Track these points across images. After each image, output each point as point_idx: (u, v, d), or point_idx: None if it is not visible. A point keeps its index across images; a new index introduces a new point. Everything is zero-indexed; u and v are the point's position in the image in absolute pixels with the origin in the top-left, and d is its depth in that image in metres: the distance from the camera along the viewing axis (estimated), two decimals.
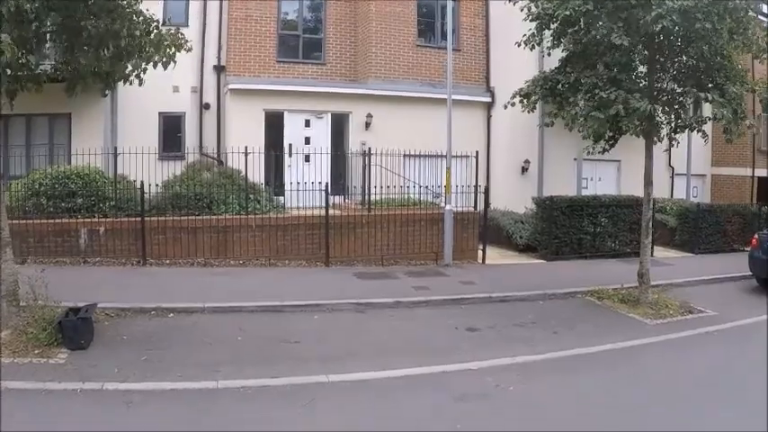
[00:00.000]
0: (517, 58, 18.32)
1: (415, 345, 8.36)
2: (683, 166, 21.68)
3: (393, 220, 13.14)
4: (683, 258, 17.05)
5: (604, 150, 12.34)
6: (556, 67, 11.67)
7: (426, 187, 14.08)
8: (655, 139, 11.85)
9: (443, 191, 13.55)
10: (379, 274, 12.28)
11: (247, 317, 9.29)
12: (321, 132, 16.12)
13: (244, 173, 13.53)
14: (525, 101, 11.73)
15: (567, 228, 15.20)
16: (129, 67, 8.68)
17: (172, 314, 9.25)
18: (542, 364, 7.83)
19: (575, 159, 19.02)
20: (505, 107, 12.00)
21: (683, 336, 9.47)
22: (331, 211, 12.79)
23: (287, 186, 14.00)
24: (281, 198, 14.03)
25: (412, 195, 13.73)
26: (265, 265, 12.45)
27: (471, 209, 14.13)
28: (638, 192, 19.63)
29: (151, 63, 8.54)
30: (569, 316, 10.35)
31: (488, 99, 18.04)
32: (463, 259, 13.79)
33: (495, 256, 14.56)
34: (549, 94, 11.52)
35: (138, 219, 12.18)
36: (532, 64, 18.38)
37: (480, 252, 14.01)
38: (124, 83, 9.26)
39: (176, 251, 12.31)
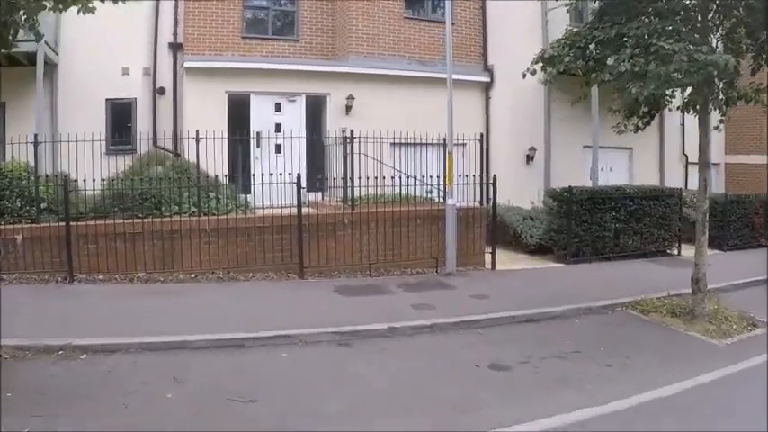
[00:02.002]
0: (518, 32, 15.79)
1: (422, 398, 5.62)
2: (695, 155, 19.25)
3: (382, 220, 10.41)
4: (713, 256, 14.33)
5: (637, 129, 9.92)
6: (589, 23, 9.00)
7: (418, 178, 11.26)
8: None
9: (443, 182, 10.83)
10: (368, 287, 9.51)
11: (189, 357, 6.51)
12: (294, 118, 13.29)
13: (203, 166, 10.76)
14: (550, 67, 9.01)
15: (588, 224, 12.54)
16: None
17: (85, 354, 6.49)
18: (610, 422, 5.17)
19: (584, 147, 16.44)
20: (524, 76, 9.28)
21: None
22: (306, 210, 10.03)
23: (255, 181, 11.06)
24: (248, 196, 11.22)
25: (402, 189, 11.02)
26: (223, 279, 9.63)
27: (476, 204, 11.42)
28: (650, 181, 17.24)
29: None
30: (618, 339, 7.75)
31: (486, 79, 15.36)
32: (468, 265, 11.09)
33: (504, 259, 11.85)
34: (580, 56, 8.83)
35: (65, 224, 9.34)
36: (536, 37, 15.79)
37: (488, 256, 11.30)
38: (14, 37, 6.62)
39: (112, 263, 9.47)
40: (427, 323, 7.68)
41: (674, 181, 18.34)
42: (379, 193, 10.64)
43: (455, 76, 14.68)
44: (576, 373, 6.44)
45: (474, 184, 11.13)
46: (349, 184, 10.57)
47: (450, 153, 10.43)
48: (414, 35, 14.68)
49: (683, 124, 19.16)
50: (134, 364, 6.29)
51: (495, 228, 11.40)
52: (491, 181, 11.07)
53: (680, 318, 8.81)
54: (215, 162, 10.44)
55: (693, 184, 19.29)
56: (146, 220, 9.67)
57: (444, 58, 14.54)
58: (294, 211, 9.81)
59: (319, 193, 12.29)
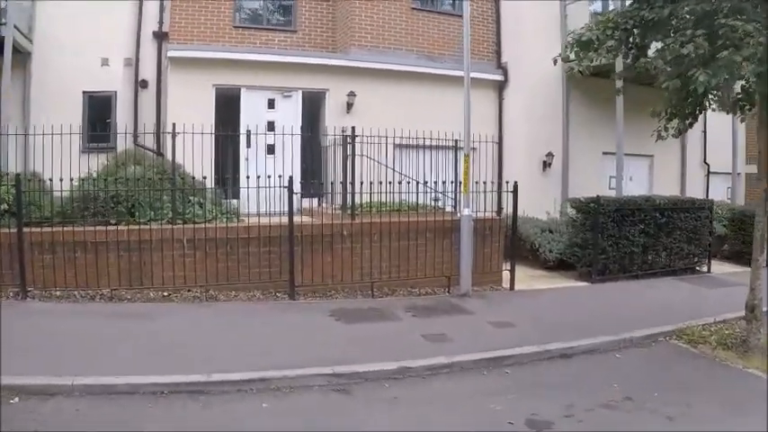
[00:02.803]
0: (533, 28, 14.36)
1: None
2: (718, 164, 17.86)
3: (387, 232, 8.88)
4: (744, 274, 12.94)
5: (679, 132, 8.51)
6: (632, 3, 7.55)
7: (426, 184, 9.69)
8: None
9: (456, 188, 9.36)
10: (370, 311, 7.96)
11: (144, 405, 5.00)
12: (289, 115, 11.76)
13: (187, 167, 9.25)
14: (585, 52, 7.55)
15: (616, 239, 11.04)
16: None
17: (17, 398, 5.05)
18: None
19: (604, 153, 14.98)
20: (555, 62, 7.84)
21: None
22: (300, 219, 8.48)
23: (243, 185, 9.48)
24: (236, 201, 9.71)
25: (407, 196, 9.49)
26: (200, 299, 8.10)
27: (492, 215, 9.93)
28: (671, 191, 15.78)
29: None
30: (670, 380, 6.30)
31: (500, 77, 13.91)
32: (484, 284, 9.59)
33: (522, 276, 10.28)
34: (624, 41, 7.38)
35: (17, 230, 7.83)
36: (553, 33, 14.38)
37: (506, 274, 9.79)
38: None
39: (71, 277, 7.93)
40: (445, 361, 6.13)
41: (694, 191, 16.88)
42: (381, 200, 9.14)
43: (462, 74, 13.32)
44: (634, 428, 4.98)
45: (492, 191, 9.62)
46: (349, 189, 9.05)
47: (468, 156, 8.94)
48: (422, 28, 13.24)
49: (704, 131, 17.73)
50: (76, 414, 4.80)
51: (515, 242, 9.88)
52: (510, 189, 9.55)
53: (733, 350, 7.35)
54: (201, 163, 8.84)
55: (714, 194, 17.95)
56: (110, 228, 8.15)
57: (455, 53, 13.16)
58: (285, 219, 8.28)
59: (315, 200, 10.80)
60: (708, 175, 18.05)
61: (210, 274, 8.11)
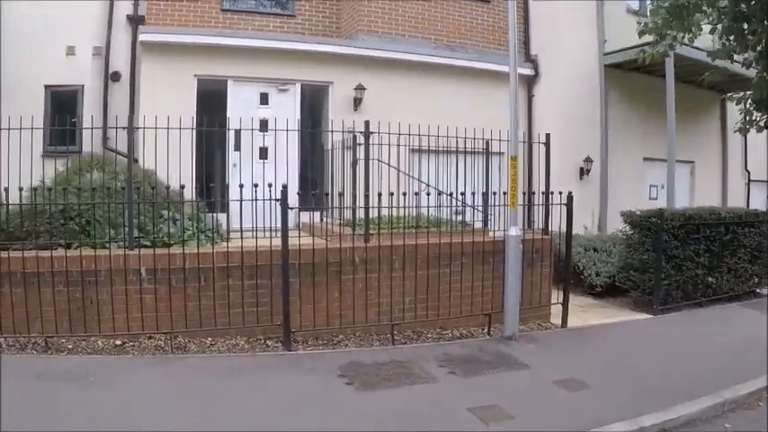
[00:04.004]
0: (567, 16, 12.30)
1: None
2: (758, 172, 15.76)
3: (411, 257, 6.65)
4: None
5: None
6: None
7: (452, 195, 7.43)
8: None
9: (488, 200, 7.22)
10: (392, 367, 5.70)
11: None
12: (285, 112, 9.49)
13: (160, 174, 7.12)
14: (678, 22, 5.48)
15: (680, 260, 8.89)
16: None
17: None
18: None
19: (645, 159, 12.89)
20: (640, 35, 5.72)
21: None
22: (298, 240, 6.17)
23: (232, 197, 7.05)
24: (224, 216, 7.47)
25: (430, 210, 7.26)
26: (165, 350, 5.87)
27: (540, 234, 7.74)
28: (712, 201, 13.64)
29: None
30: None
31: (529, 71, 11.77)
32: (529, 320, 7.40)
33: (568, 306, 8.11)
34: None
35: None
36: (589, 20, 12.31)
37: (559, 307, 7.59)
38: None
39: None
40: None
41: (735, 200, 14.80)
42: (394, 214, 6.93)
43: (489, 66, 11.20)
44: None
45: (539, 204, 7.45)
46: (360, 203, 6.83)
47: (515, 159, 6.78)
48: (440, 13, 11.09)
49: (745, 136, 15.70)
50: None
51: (568, 268, 7.69)
52: (563, 200, 7.39)
53: None
54: (179, 169, 6.57)
55: (755, 203, 15.83)
56: (42, 254, 5.90)
57: (478, 42, 11.06)
58: (278, 241, 6.05)
59: (317, 214, 8.62)
60: (748, 184, 15.95)
61: (179, 316, 5.87)
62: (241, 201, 5.94)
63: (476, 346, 6.49)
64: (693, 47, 9.06)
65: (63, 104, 10.26)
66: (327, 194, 7.33)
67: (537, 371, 5.84)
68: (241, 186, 5.89)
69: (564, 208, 7.48)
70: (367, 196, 6.56)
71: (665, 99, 11.00)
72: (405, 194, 6.56)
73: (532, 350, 6.49)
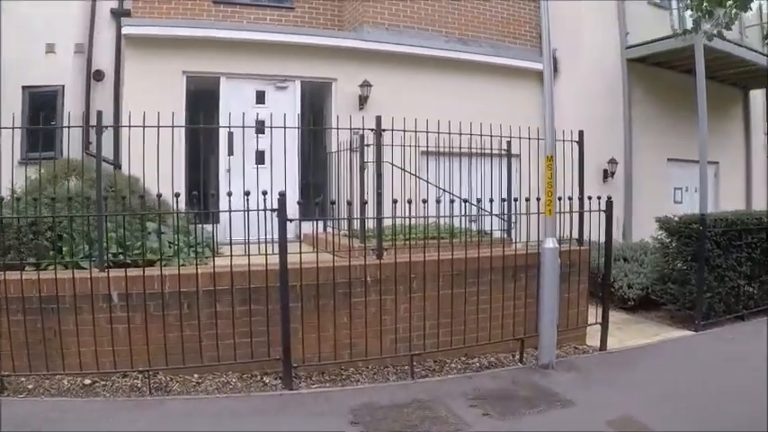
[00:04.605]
0: (585, 8, 11.36)
1: None
2: None
3: (432, 275, 5.59)
4: None
5: None
6: None
7: (469, 202, 6.36)
8: None
9: (510, 207, 6.23)
10: (413, 408, 4.64)
11: None
12: (284, 111, 8.44)
13: (148, 182, 6.05)
14: None
15: (722, 270, 7.89)
16: None
17: None
18: None
19: (669, 160, 11.92)
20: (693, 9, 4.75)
21: None
22: (300, 255, 5.12)
23: (224, 206, 5.96)
24: (218, 226, 6.45)
25: (434, 216, 6.10)
26: (142, 390, 4.83)
27: (576, 245, 6.72)
28: (737, 205, 12.69)
29: None
30: None
31: None
32: (564, 342, 6.34)
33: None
34: None
35: None
36: (609, 12, 11.36)
37: (596, 327, 6.59)
38: None
39: None
40: None
41: (760, 203, 13.81)
42: (406, 223, 5.90)
43: (503, 61, 10.26)
44: None
45: (574, 211, 6.43)
46: (372, 212, 5.82)
47: (551, 159, 5.79)
48: (452, 4, 10.11)
49: (767, 133, 14.76)
50: None
51: (606, 283, 6.70)
52: (602, 206, 6.40)
53: None
54: (162, 175, 5.53)
55: None
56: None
57: (492, 36, 10.10)
58: (276, 259, 5.04)
59: (320, 224, 7.62)
60: None
61: (158, 350, 4.84)
62: (230, 212, 4.95)
63: (508, 377, 5.47)
64: (726, 39, 8.12)
65: (42, 106, 9.24)
66: (333, 203, 6.30)
67: (584, 409, 4.82)
68: (229, 195, 4.91)
69: (602, 215, 6.49)
70: (380, 203, 5.53)
71: (689, 96, 10.07)
72: (425, 202, 5.54)
73: (574, 381, 5.48)
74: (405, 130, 5.74)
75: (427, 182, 6.83)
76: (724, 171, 13.32)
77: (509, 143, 7.59)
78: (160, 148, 5.29)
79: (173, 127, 5.39)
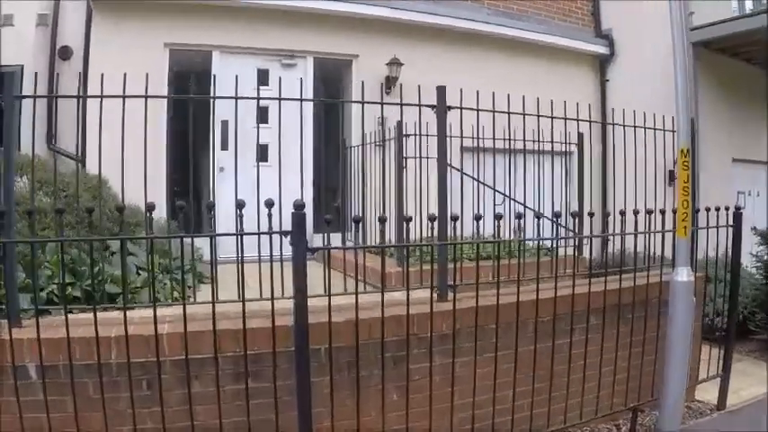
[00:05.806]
0: None
1: None
2: None
3: (525, 323, 3.70)
4: None
5: None
6: None
7: (546, 218, 4.40)
8: None
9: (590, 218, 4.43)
10: None
11: None
12: (292, 95, 6.55)
13: (115, 183, 4.09)
14: None
15: None
16: None
17: None
18: None
19: (734, 160, 10.16)
20: None
21: None
22: (326, 300, 3.25)
23: (219, 216, 3.78)
24: (205, 242, 4.46)
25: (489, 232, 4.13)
26: None
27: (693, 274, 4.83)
28: None
29: None
30: None
31: (603, 50, 8.95)
32: None
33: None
34: None
35: None
36: None
37: (715, 380, 4.77)
38: None
39: None
40: None
41: None
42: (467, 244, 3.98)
43: (550, 39, 8.41)
44: None
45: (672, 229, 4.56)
46: (417, 230, 3.93)
47: (686, 154, 3.98)
48: None
49: None
50: None
51: (732, 321, 4.88)
52: (730, 221, 4.61)
53: None
54: (155, 183, 3.61)
55: None
56: None
57: (540, 10, 8.30)
58: (289, 303, 3.09)
59: (338, 236, 5.71)
60: None
61: None
62: (213, 236, 3.08)
63: None
64: None
65: None
66: (362, 219, 4.37)
67: None
68: (209, 207, 3.06)
69: (730, 231, 4.66)
70: (443, 219, 3.63)
71: (756, 89, 8.38)
72: (500, 218, 3.65)
73: None
74: (479, 110, 3.85)
75: (490, 186, 4.97)
76: None
77: (580, 135, 5.78)
78: (126, 135, 3.39)
79: (146, 97, 3.52)
